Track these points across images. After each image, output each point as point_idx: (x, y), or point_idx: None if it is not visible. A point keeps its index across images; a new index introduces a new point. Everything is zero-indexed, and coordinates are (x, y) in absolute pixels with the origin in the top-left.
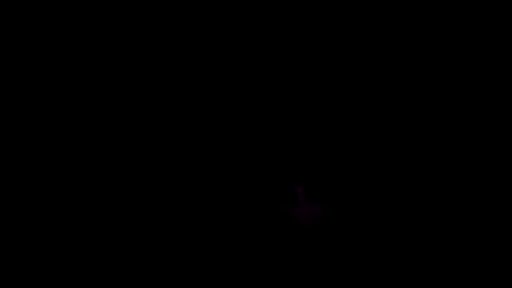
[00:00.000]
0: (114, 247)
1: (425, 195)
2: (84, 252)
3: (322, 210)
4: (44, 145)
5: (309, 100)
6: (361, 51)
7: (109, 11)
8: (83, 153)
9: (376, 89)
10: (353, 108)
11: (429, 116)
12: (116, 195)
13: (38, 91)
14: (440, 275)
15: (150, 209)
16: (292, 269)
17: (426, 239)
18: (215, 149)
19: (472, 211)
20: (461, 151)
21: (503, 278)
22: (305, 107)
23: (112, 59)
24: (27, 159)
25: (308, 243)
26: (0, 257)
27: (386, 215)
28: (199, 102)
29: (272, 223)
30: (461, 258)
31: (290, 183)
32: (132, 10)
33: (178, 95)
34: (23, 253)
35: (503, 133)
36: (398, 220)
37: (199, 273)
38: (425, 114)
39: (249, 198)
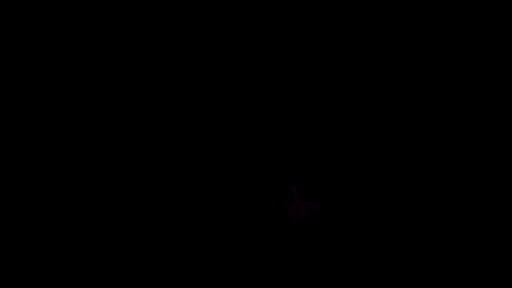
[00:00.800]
0: (114, 247)
1: (418, 192)
2: (84, 252)
3: (315, 207)
4: (43, 145)
5: (303, 102)
6: (359, 51)
7: (109, 11)
8: (83, 153)
9: (370, 88)
10: (346, 108)
11: (419, 113)
12: (115, 195)
13: (38, 91)
14: (436, 272)
15: (150, 206)
16: (288, 260)
17: (421, 235)
18: (214, 150)
19: (466, 204)
20: (449, 145)
21: (503, 278)
22: (300, 109)
23: (112, 59)
24: (27, 159)
25: (303, 235)
26: (0, 257)
27: (376, 209)
28: (199, 102)
29: (270, 218)
30: (456, 252)
31: (286, 182)
32: (132, 10)
33: (178, 95)
34: (23, 253)
35: (503, 133)
36: (389, 213)
37: (199, 270)
38: (416, 112)
39: (249, 197)
